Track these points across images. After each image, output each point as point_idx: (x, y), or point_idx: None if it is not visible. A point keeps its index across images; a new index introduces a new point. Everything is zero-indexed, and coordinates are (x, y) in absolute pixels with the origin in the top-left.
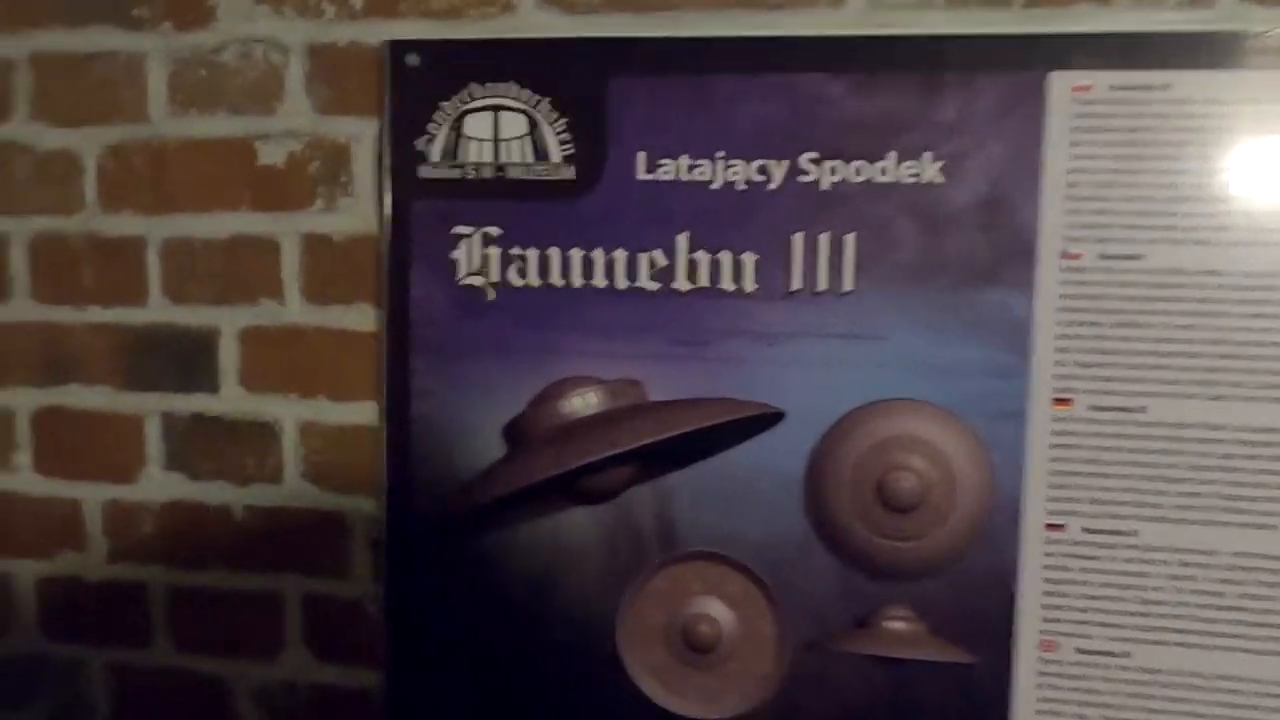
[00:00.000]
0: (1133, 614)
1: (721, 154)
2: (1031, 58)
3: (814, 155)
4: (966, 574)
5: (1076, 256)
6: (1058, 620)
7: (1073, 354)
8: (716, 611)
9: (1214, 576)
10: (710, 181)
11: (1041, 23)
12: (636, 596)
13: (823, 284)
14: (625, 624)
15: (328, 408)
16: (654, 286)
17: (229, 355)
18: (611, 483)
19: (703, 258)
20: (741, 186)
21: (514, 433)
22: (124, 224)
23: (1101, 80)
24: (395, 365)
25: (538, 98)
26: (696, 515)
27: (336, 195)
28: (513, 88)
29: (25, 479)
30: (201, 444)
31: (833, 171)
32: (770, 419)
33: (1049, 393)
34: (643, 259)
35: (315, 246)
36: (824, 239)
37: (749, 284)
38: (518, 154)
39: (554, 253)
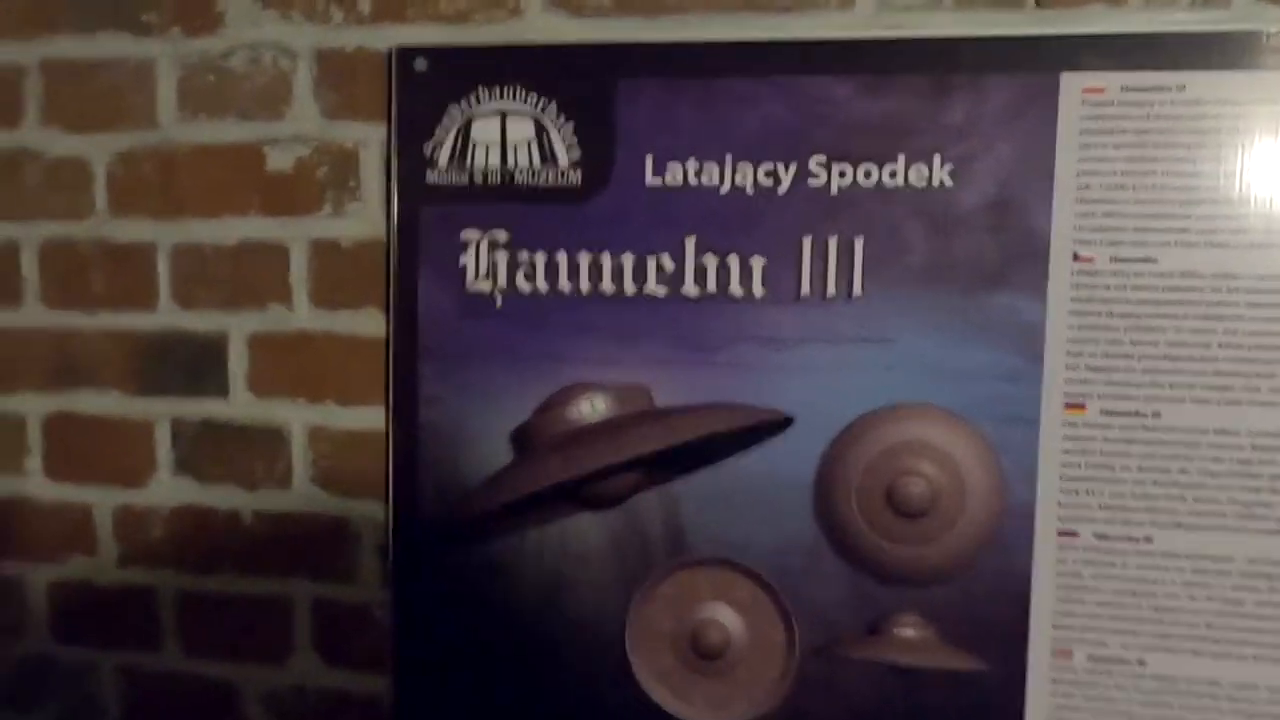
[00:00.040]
0: (1147, 621)
1: (729, 157)
2: (1042, 59)
3: (822, 158)
4: (978, 580)
5: (1088, 260)
6: (1071, 627)
7: (1085, 358)
8: (725, 617)
9: (1230, 583)
10: (718, 185)
11: (1052, 23)
12: (645, 602)
13: (832, 288)
14: (633, 630)
15: (336, 413)
16: (662, 291)
17: (238, 360)
18: (619, 489)
19: (711, 262)
20: (749, 190)
21: (521, 439)
22: (134, 230)
23: (1113, 81)
24: (403, 370)
25: (545, 102)
26: (705, 521)
27: (344, 200)
28: (520, 92)
29: (36, 484)
30: (211, 449)
31: (841, 175)
32: (779, 424)
33: (1061, 397)
34: (650, 263)
35: (323, 252)
36: (833, 242)
37: (757, 288)
38: (525, 159)
39: (561, 257)
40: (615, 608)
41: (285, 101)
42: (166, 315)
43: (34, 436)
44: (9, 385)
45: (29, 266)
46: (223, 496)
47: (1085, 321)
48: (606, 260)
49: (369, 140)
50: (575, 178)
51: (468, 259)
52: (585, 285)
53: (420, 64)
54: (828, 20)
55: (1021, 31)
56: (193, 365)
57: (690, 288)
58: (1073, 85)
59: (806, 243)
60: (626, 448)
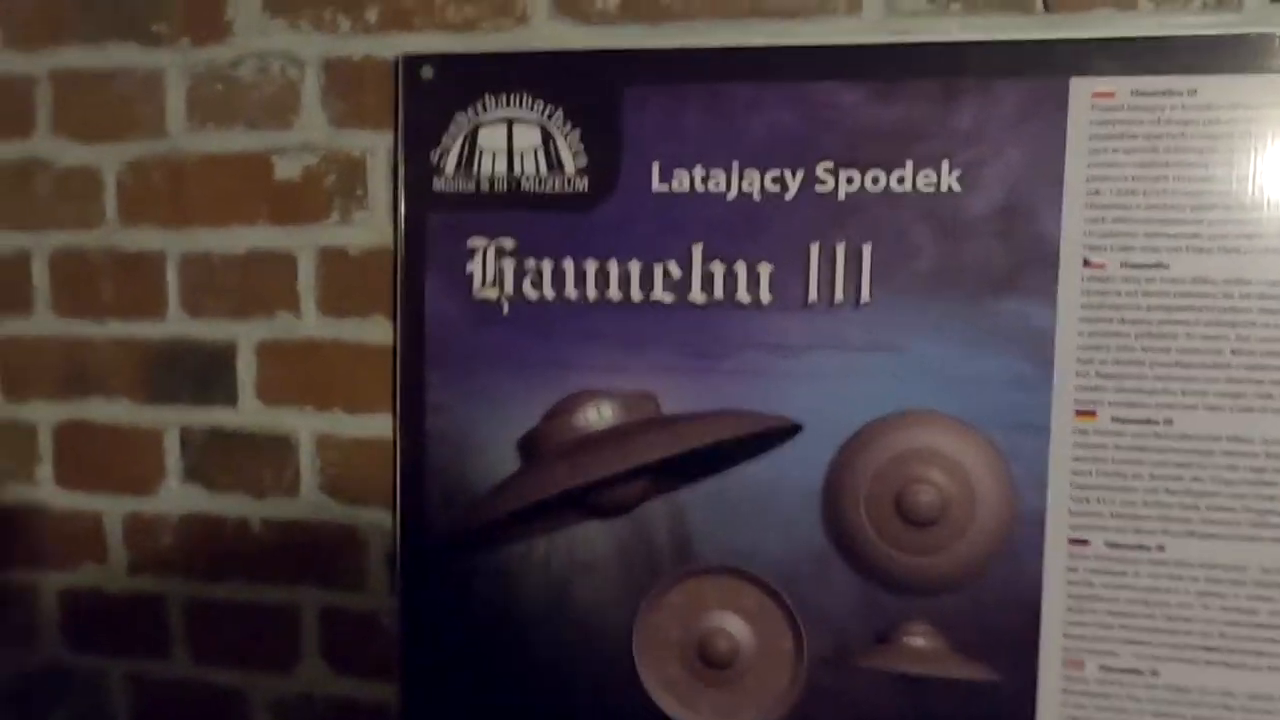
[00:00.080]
0: (1160, 631)
1: (736, 164)
2: (1051, 63)
3: (830, 164)
4: (988, 589)
5: (1099, 266)
6: (1082, 637)
7: (1096, 365)
8: (733, 626)
9: (1244, 593)
10: (725, 192)
11: (1061, 28)
12: (652, 611)
13: (840, 295)
14: (640, 638)
15: (344, 421)
16: (669, 298)
17: (246, 368)
18: (626, 497)
19: (718, 269)
20: (757, 197)
21: (528, 446)
22: (143, 239)
23: (1124, 86)
24: (410, 378)
25: (551, 109)
26: (712, 529)
27: (352, 208)
28: (526, 100)
29: (48, 491)
30: (219, 457)
31: (849, 181)
32: (787, 432)
33: (1071, 404)
34: (657, 270)
35: (331, 260)
36: (840, 249)
37: (765, 295)
38: (531, 166)
39: (568, 265)
40: (622, 616)
41: (293, 110)
42: (175, 324)
43: (45, 444)
44: (21, 393)
45: (40, 275)
46: (231, 504)
47: (1096, 328)
48: (613, 267)
49: (376, 148)
50: (582, 185)
51: (474, 266)
52: (592, 292)
53: (427, 72)
54: (835, 26)
55: (1030, 36)
56: (201, 374)
57: (697, 295)
58: (1082, 90)
59: (814, 249)
60: (633, 455)
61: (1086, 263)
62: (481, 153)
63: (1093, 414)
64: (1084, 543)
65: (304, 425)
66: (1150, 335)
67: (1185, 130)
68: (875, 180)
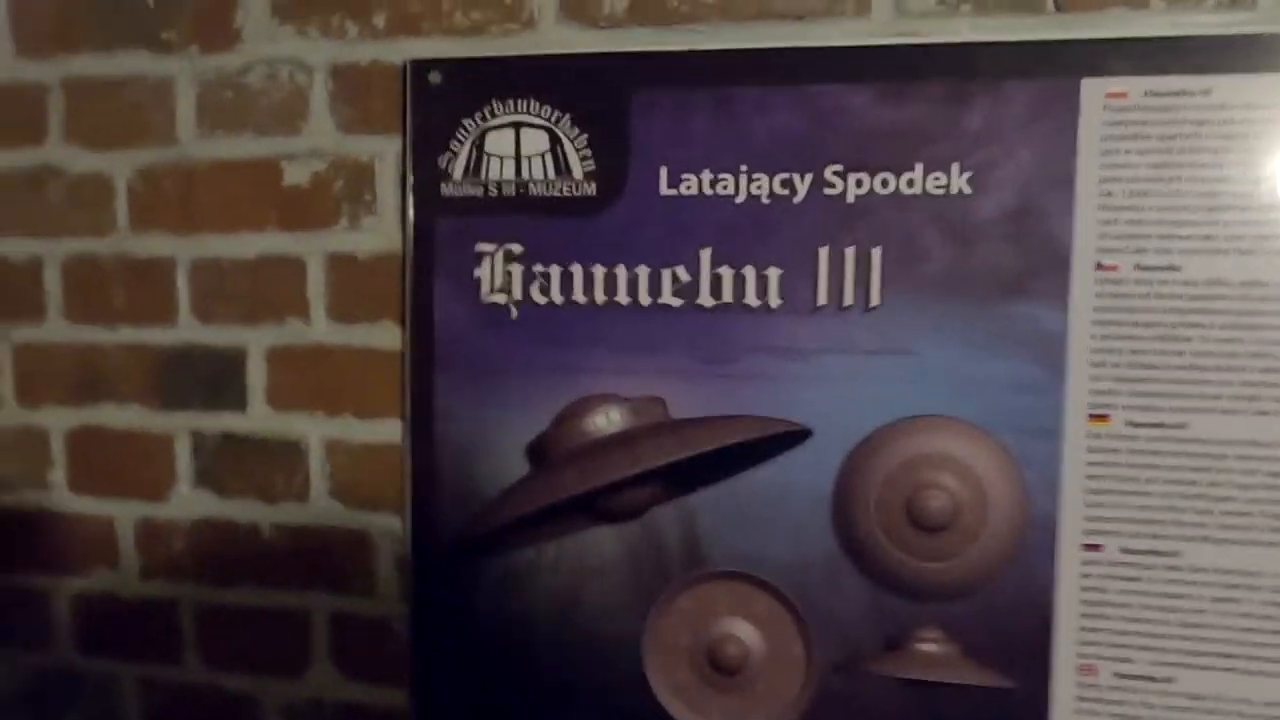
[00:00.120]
0: (1175, 637)
1: (744, 167)
2: (1063, 64)
3: (839, 167)
4: (1000, 595)
5: (1112, 268)
6: (1096, 643)
7: (1109, 368)
8: (743, 632)
9: (1261, 599)
10: (733, 195)
11: (1073, 28)
12: (662, 616)
13: (849, 298)
14: (650, 644)
15: (353, 426)
16: (677, 303)
17: (256, 374)
18: (635, 502)
19: (726, 273)
20: (765, 200)
21: (537, 451)
22: (154, 245)
23: (1136, 86)
24: (419, 383)
25: (559, 114)
26: (722, 534)
27: (360, 214)
28: (534, 104)
29: (60, 497)
30: (230, 462)
31: (858, 184)
32: (797, 437)
33: (1085, 408)
34: (665, 275)
35: (340, 265)
36: (850, 252)
37: (774, 299)
38: (539, 170)
39: (576, 269)
40: (632, 621)
41: (301, 116)
42: (186, 330)
43: (58, 450)
44: (34, 399)
45: (52, 282)
46: (242, 510)
47: (1109, 331)
48: (621, 272)
49: (384, 154)
50: (590, 189)
51: (483, 271)
52: (600, 297)
53: (435, 77)
54: (843, 28)
55: (1041, 36)
56: (212, 379)
57: (706, 298)
58: (1094, 90)
59: (823, 253)
60: (642, 460)
61: (1099, 265)
62: (489, 157)
63: (1106, 418)
64: (1097, 548)
65: (314, 430)
66: (1164, 338)
67: (1199, 130)
68: (885, 183)
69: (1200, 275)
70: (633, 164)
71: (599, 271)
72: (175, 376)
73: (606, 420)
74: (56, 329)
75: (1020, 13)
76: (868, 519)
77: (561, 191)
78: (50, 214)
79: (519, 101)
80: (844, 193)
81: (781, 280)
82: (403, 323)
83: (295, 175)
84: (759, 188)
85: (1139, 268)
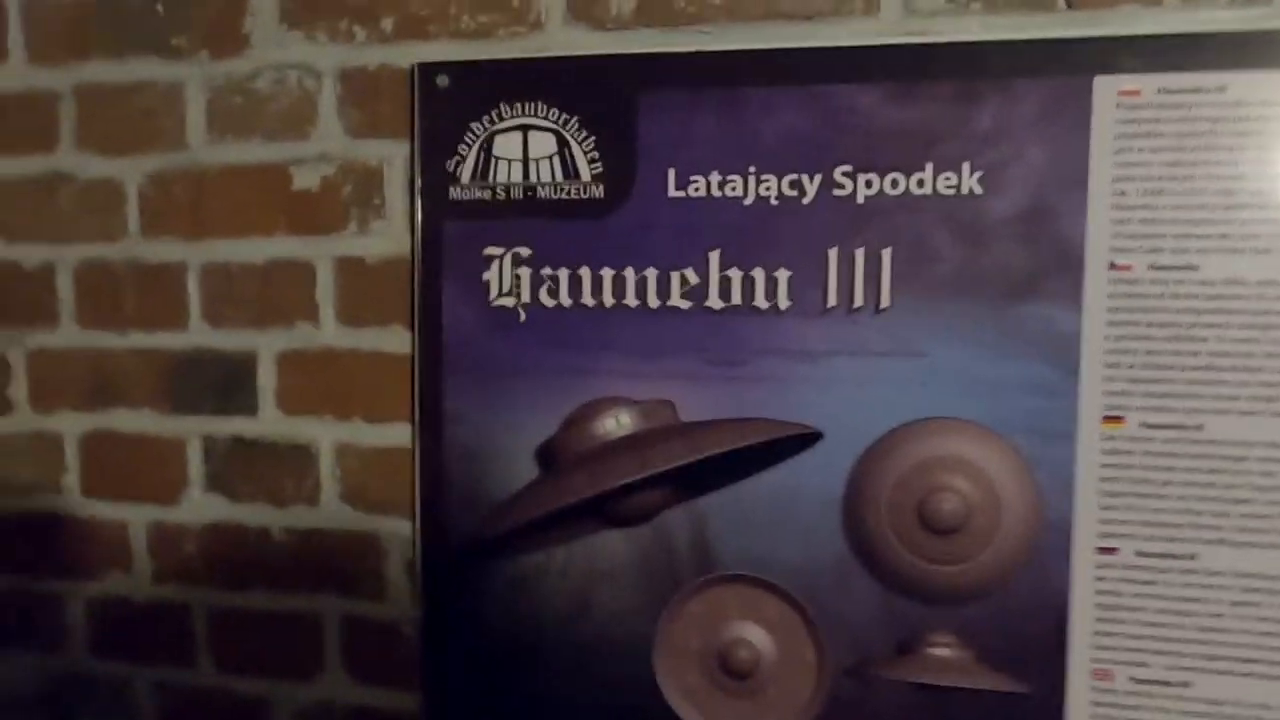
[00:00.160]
0: (1192, 641)
1: (753, 169)
2: (1075, 62)
3: (848, 168)
4: (1014, 599)
5: (1126, 268)
6: (1112, 647)
7: (1124, 370)
8: (754, 636)
9: (1279, 602)
10: (742, 197)
11: (1085, 25)
12: (673, 620)
13: (859, 300)
14: (661, 648)
15: (363, 430)
16: (686, 305)
17: (267, 378)
18: (645, 505)
19: (735, 275)
20: (774, 201)
21: (546, 454)
22: (165, 250)
23: (1150, 84)
24: (428, 387)
25: (566, 116)
26: (733, 538)
27: (369, 218)
28: (541, 107)
29: (74, 501)
30: (241, 466)
31: (868, 184)
32: (807, 439)
33: (1098, 410)
34: (674, 277)
35: (349, 269)
36: (860, 254)
37: (783, 301)
38: (547, 173)
39: (585, 272)
40: (642, 625)
41: (310, 121)
42: (197, 334)
43: (71, 455)
44: (47, 404)
45: (65, 288)
46: (253, 514)
47: (1123, 332)
48: (630, 274)
49: (393, 158)
50: (598, 191)
51: (491, 274)
52: (609, 299)
53: (442, 80)
54: (852, 27)
55: (1052, 34)
56: (223, 384)
57: (715, 301)
58: (1107, 88)
59: (833, 254)
60: (652, 463)
61: (1113, 265)
62: (497, 160)
63: (1120, 420)
64: (1112, 551)
65: (324, 434)
66: (1180, 339)
67: (1214, 128)
68: (894, 183)
69: (1216, 274)
70: (641, 166)
71: (607, 274)
72: (186, 381)
73: (616, 423)
74: (69, 334)
75: (1031, 10)
76: (879, 522)
77: (569, 194)
78: (62, 220)
79: (526, 104)
80: (853, 193)
81: (791, 282)
82: (412, 326)
83: (304, 180)
84: (768, 189)
85: (1154, 267)
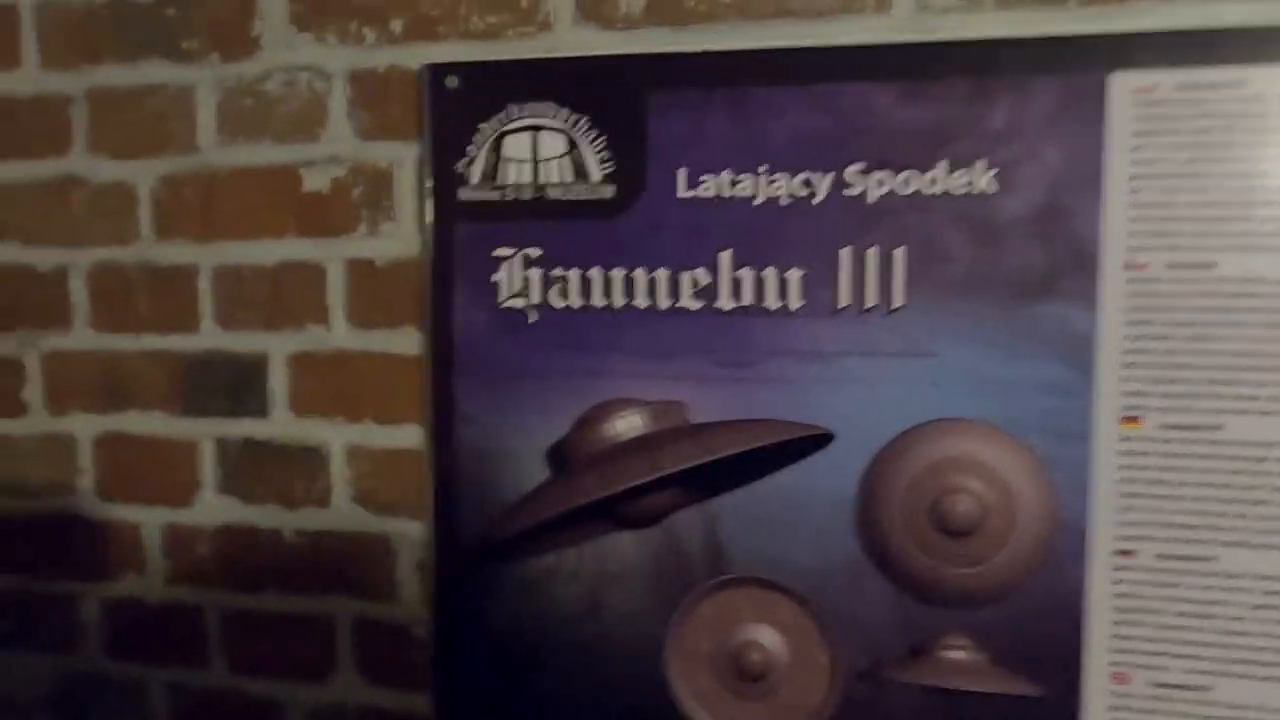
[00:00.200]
0: (1213, 645)
1: (764, 168)
2: (1090, 58)
3: (860, 167)
4: (1030, 601)
5: (1143, 266)
6: (1130, 651)
7: (1141, 369)
8: (766, 638)
9: None
10: (753, 197)
11: (1099, 21)
12: (684, 623)
13: (871, 300)
14: (673, 650)
15: (374, 431)
16: (697, 305)
17: (278, 380)
18: (656, 507)
19: (746, 275)
20: (785, 201)
21: (557, 456)
22: (176, 253)
23: (1166, 80)
24: (439, 389)
25: (576, 116)
26: (744, 539)
27: (379, 220)
28: (551, 107)
29: (89, 502)
30: (253, 468)
31: (880, 183)
32: (819, 440)
33: (1117, 411)
34: (685, 278)
35: (359, 271)
36: (872, 253)
37: (795, 301)
38: (557, 174)
39: (595, 273)
40: (655, 628)
41: (320, 123)
42: (209, 337)
43: (85, 456)
44: (61, 406)
45: (78, 291)
46: (265, 515)
47: (1140, 331)
48: (640, 275)
49: (403, 159)
50: (608, 192)
51: (501, 276)
52: (619, 300)
53: (452, 81)
54: (863, 25)
55: (1066, 30)
56: (234, 386)
57: (726, 301)
58: (1123, 85)
59: (845, 254)
60: (663, 465)
61: (1129, 264)
62: (507, 161)
63: (1137, 420)
64: (1130, 554)
65: (335, 436)
66: (1199, 338)
67: (1233, 124)
68: (907, 182)
69: (1235, 272)
70: (651, 166)
71: (618, 275)
72: (198, 383)
73: (626, 425)
74: (82, 337)
75: (1045, 6)
76: (892, 523)
77: (579, 195)
78: (75, 223)
79: (536, 104)
80: (865, 192)
81: (802, 282)
82: (422, 328)
83: (315, 182)
84: (779, 188)
85: (1171, 266)
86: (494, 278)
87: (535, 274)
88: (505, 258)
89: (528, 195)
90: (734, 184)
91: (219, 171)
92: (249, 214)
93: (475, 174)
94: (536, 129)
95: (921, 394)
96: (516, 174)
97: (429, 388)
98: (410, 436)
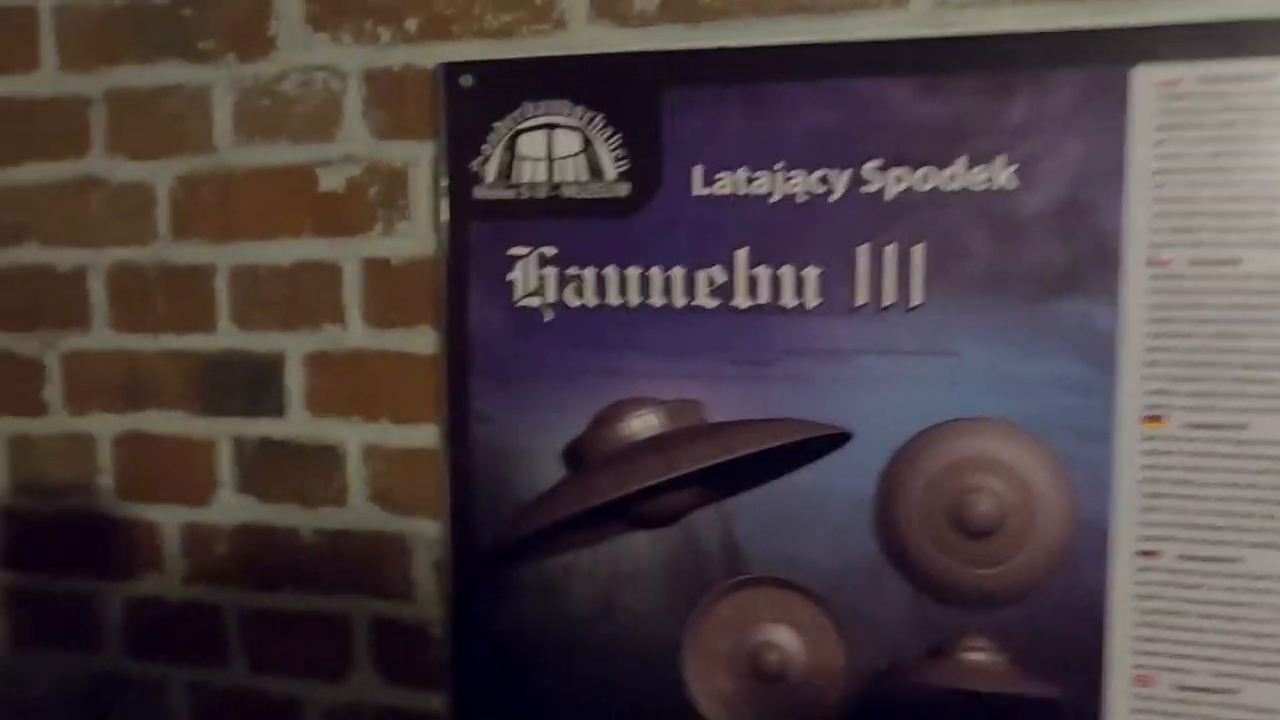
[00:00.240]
0: (1238, 648)
1: (780, 165)
2: (1112, 52)
3: (878, 163)
4: (1051, 602)
5: (1166, 263)
6: (1154, 653)
7: (1164, 368)
8: (784, 639)
9: None
10: (769, 194)
11: (1121, 14)
12: (702, 623)
13: (889, 298)
14: (690, 651)
15: (390, 431)
16: (713, 304)
17: (295, 380)
18: (673, 506)
19: (763, 273)
20: (802, 198)
21: (573, 455)
22: (194, 253)
23: (1190, 73)
24: (455, 388)
25: (591, 114)
26: (762, 539)
27: (395, 219)
28: (566, 105)
29: (109, 502)
30: (270, 467)
31: (898, 180)
32: (837, 440)
33: (1139, 410)
34: (701, 276)
35: (375, 270)
36: (890, 250)
37: (812, 299)
38: (571, 172)
39: (610, 271)
40: (671, 627)
41: (336, 123)
42: (226, 336)
43: (105, 456)
44: (81, 406)
45: (97, 292)
46: (282, 515)
47: (1164, 329)
48: (656, 273)
49: (418, 158)
50: (623, 190)
51: (516, 274)
52: (635, 299)
53: (467, 80)
54: (880, 20)
55: (1087, 23)
56: (251, 385)
57: (742, 299)
58: (1146, 78)
59: (862, 251)
60: (679, 464)
61: (1152, 260)
62: (522, 160)
63: (1160, 419)
64: (1154, 554)
65: (352, 435)
66: (1223, 335)
67: (1259, 117)
68: (925, 178)
69: (1260, 268)
70: (666, 164)
71: (633, 273)
72: (216, 382)
73: (643, 424)
74: (102, 337)
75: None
76: (910, 523)
77: (594, 193)
78: (94, 224)
79: (551, 102)
80: (883, 189)
81: (820, 280)
82: (438, 327)
83: (330, 181)
84: (795, 186)
85: (1195, 262)
86: (509, 276)
87: (550, 272)
88: (520, 256)
89: (543, 194)
90: (750, 181)
91: (235, 171)
92: (265, 214)
93: (490, 173)
94: (551, 127)
95: (940, 392)
96: (531, 172)
97: (445, 387)
98: (426, 436)
